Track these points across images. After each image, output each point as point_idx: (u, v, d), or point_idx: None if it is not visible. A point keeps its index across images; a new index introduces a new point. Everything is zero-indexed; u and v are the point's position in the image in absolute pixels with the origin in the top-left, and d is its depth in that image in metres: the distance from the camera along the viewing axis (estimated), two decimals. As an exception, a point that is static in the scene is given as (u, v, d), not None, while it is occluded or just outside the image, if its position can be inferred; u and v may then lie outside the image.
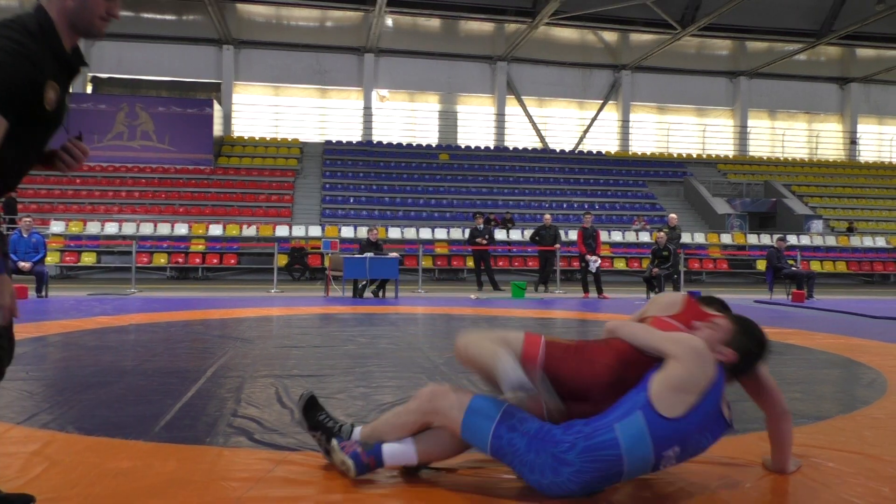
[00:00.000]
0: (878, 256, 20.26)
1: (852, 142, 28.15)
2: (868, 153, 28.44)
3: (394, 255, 12.40)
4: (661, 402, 2.05)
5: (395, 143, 24.67)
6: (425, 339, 6.30)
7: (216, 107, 22.52)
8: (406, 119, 25.96)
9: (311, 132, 25.03)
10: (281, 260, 16.08)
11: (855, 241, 20.75)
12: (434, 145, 25.05)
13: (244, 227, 18.49)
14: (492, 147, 25.33)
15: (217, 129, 22.51)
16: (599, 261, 13.08)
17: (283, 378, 4.16)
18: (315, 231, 18.64)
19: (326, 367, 4.59)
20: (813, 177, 25.45)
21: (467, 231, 15.55)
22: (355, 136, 25.05)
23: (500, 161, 24.02)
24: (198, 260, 17.72)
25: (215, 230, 18.26)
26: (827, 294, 14.45)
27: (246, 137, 24.19)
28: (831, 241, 20.74)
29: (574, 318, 8.63)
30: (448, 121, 26.17)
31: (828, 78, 28.01)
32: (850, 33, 24.11)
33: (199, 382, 4.00)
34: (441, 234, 19.16)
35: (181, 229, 18.13)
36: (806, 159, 27.44)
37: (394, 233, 18.81)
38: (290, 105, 25.20)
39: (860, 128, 28.40)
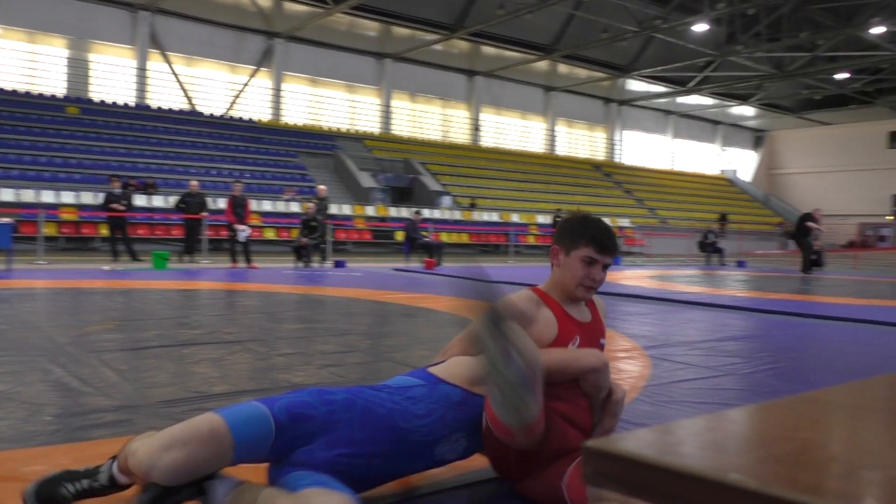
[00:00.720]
0: (492, 229, 23.47)
1: (476, 128, 32.02)
2: (488, 139, 32.62)
3: (5, 220, 10.63)
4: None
5: (9, 89, 20.95)
6: (47, 316, 5.54)
7: None
8: (25, 62, 22.22)
9: None
10: None
11: (476, 215, 23.74)
12: (61, 96, 21.92)
13: None
14: (132, 104, 23.09)
15: None
16: (249, 230, 12.89)
17: None
18: None
19: None
20: (444, 157, 28.33)
21: (101, 195, 14.00)
22: (-48, 75, 20.69)
23: (141, 120, 22.02)
24: None
25: None
26: (453, 262, 16.32)
27: None
28: (457, 215, 23.41)
29: (221, 289, 8.40)
30: (79, 70, 23.09)
31: (458, 69, 31.31)
32: (477, 31, 27.25)
33: None
34: (68, 198, 16.93)
35: None
36: (439, 141, 30.43)
37: (6, 194, 16.06)
38: None
39: (482, 116, 32.42)
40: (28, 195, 16.35)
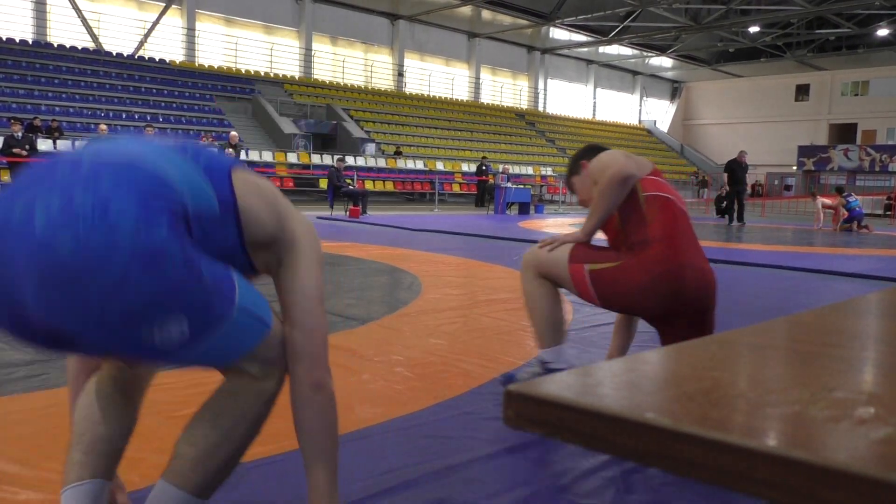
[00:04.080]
0: (418, 177, 23.38)
1: (399, 74, 31.50)
2: (413, 85, 32.19)
3: None
4: None
5: None
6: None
7: None
8: None
9: None
10: None
11: (401, 163, 23.56)
12: (-53, 30, 20.20)
13: None
14: (30, 41, 21.52)
15: None
16: (164, 177, 12.39)
17: None
18: None
19: None
20: (368, 103, 27.83)
21: (0, 139, 13.13)
22: None
23: (42, 59, 20.56)
24: None
25: None
26: (378, 210, 16.22)
27: None
28: (382, 162, 23.17)
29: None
30: (-33, 1, 21.28)
31: (381, 12, 30.53)
32: (400, -27, 26.57)
33: None
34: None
35: None
36: (362, 86, 29.82)
37: None
38: None
39: (406, 62, 31.88)
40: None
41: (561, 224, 13.27)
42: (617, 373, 0.75)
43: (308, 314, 1.33)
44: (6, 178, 13.29)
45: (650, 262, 2.13)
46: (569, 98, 39.40)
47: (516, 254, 7.44)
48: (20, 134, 12.38)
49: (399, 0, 29.72)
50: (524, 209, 17.41)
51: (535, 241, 8.87)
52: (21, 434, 2.00)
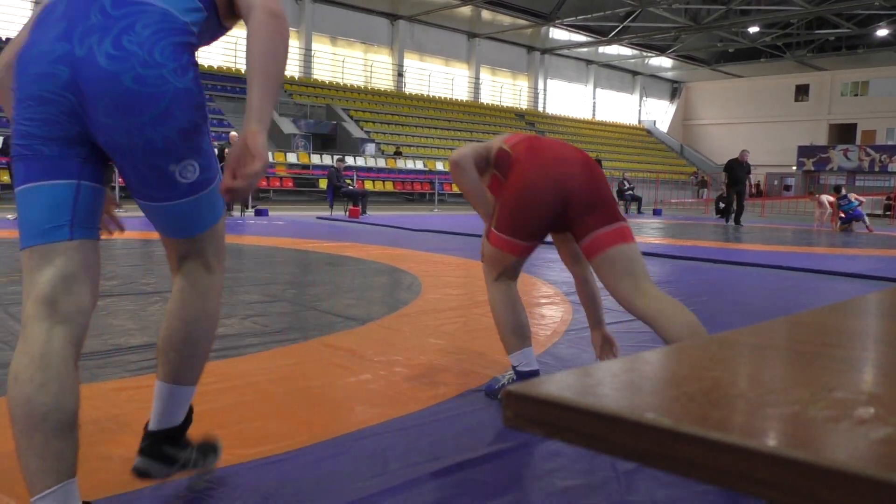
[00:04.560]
0: (417, 178, 23.39)
1: (399, 74, 31.50)
2: (412, 86, 32.19)
3: None
4: None
5: None
6: (-56, 268, 5.21)
7: None
8: None
9: None
10: None
11: (401, 163, 23.56)
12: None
13: None
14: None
15: None
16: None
17: None
18: None
19: None
20: (368, 103, 27.82)
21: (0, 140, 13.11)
22: None
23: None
24: None
25: None
26: (378, 210, 16.22)
27: None
28: (382, 163, 23.17)
29: (136, 239, 8.09)
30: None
31: (381, 13, 30.54)
32: (399, -27, 26.57)
33: None
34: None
35: None
36: (362, 87, 29.82)
37: None
38: None
39: (406, 62, 31.88)
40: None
41: (561, 224, 13.27)
42: (617, 373, 0.75)
43: None
44: (6, 178, 13.27)
45: (515, 179, 2.33)
46: (568, 98, 39.40)
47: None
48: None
49: (399, 0, 29.73)
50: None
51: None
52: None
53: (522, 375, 2.37)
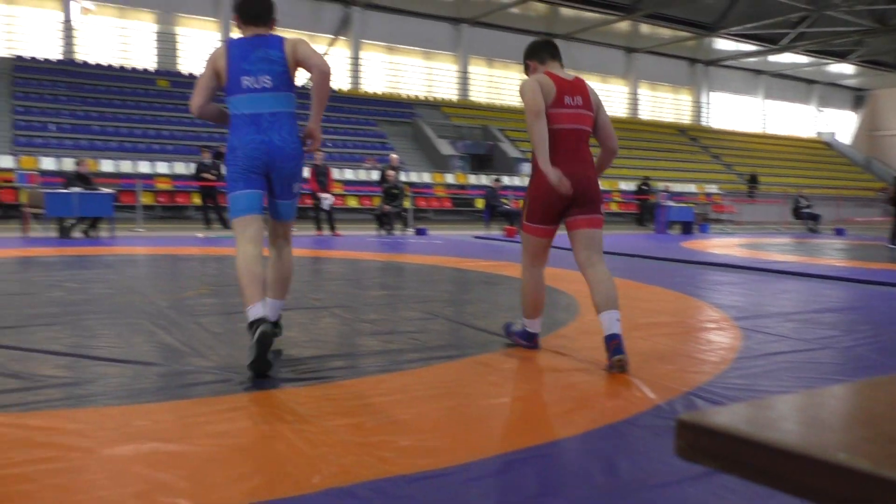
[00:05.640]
0: (573, 196, 23.08)
1: (556, 93, 31.36)
2: (568, 104, 31.88)
3: (106, 190, 11.24)
4: None
5: (104, 63, 21.97)
6: (147, 281, 5.87)
7: None
8: (117, 38, 23.20)
9: (-4, 44, 21.26)
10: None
11: (556, 182, 23.38)
12: (152, 70, 22.81)
13: None
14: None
15: None
16: (332, 199, 13.16)
17: (-28, 332, 3.60)
18: (6, 161, 16.10)
19: (28, 318, 4.07)
20: (523, 123, 27.72)
21: (193, 166, 14.57)
22: (54, 52, 21.83)
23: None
24: None
25: None
26: (533, 229, 16.18)
27: None
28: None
29: (306, 257, 8.64)
30: (167, 43, 23.93)
31: (537, 32, 30.62)
32: (556, -8, 26.54)
33: None
34: (163, 168, 17.72)
35: None
36: (518, 107, 30.01)
37: (107, 165, 16.95)
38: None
39: (563, 81, 31.66)
40: (126, 166, 17.21)
41: (728, 245, 12.56)
42: (800, 407, 0.71)
43: (315, 53, 3.26)
44: (197, 200, 14.68)
45: (538, 184, 3.29)
46: (736, 111, 37.31)
47: (679, 275, 7.13)
48: (209, 160, 13.67)
49: (554, 19, 29.73)
50: (687, 228, 16.68)
51: (697, 263, 8.46)
52: (207, 433, 2.20)
53: (528, 335, 3.46)
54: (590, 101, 3.33)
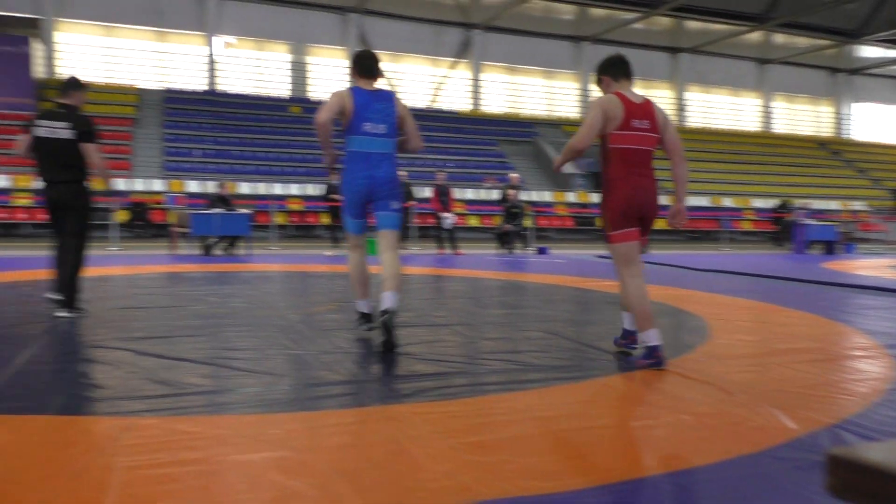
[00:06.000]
0: (702, 214, 22.20)
1: (681, 108, 30.38)
2: (695, 119, 30.84)
3: (244, 210, 11.97)
4: None
5: (243, 93, 23.55)
6: (280, 297, 6.18)
7: (35, 45, 20.33)
8: (255, 69, 24.81)
9: (149, 78, 23.30)
10: (120, 216, 15.02)
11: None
12: (285, 97, 24.19)
13: (75, 180, 17.03)
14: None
15: (38, 71, 20.38)
16: (454, 218, 13.35)
17: (127, 341, 3.93)
18: (157, 185, 17.53)
19: (175, 329, 4.40)
20: (648, 140, 27.12)
21: (323, 187, 15.26)
22: (199, 84, 23.64)
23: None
24: (23, 215, 16.14)
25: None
26: (658, 249, 15.67)
27: (75, 82, 22.06)
28: (663, 200, 22.35)
29: (429, 275, 8.79)
30: (299, 72, 25.32)
31: (660, 47, 29.88)
32: (679, 5, 25.75)
33: (32, 349, 3.70)
34: (295, 189, 18.68)
35: (2, 181, 16.41)
36: (642, 123, 29.22)
37: (245, 188, 18.10)
38: (124, 48, 23.24)
39: (687, 95, 30.66)
40: (261, 188, 18.30)
41: (877, 266, 11.60)
42: (976, 445, 0.64)
43: (415, 128, 4.33)
44: (326, 220, 15.32)
45: (614, 196, 3.66)
46: (884, 122, 34.59)
47: (822, 299, 6.66)
48: (338, 182, 14.23)
49: (679, 33, 28.87)
50: (830, 248, 15.57)
51: (842, 285, 7.86)
52: (335, 445, 2.27)
53: (652, 350, 3.39)
54: (656, 124, 3.61)
